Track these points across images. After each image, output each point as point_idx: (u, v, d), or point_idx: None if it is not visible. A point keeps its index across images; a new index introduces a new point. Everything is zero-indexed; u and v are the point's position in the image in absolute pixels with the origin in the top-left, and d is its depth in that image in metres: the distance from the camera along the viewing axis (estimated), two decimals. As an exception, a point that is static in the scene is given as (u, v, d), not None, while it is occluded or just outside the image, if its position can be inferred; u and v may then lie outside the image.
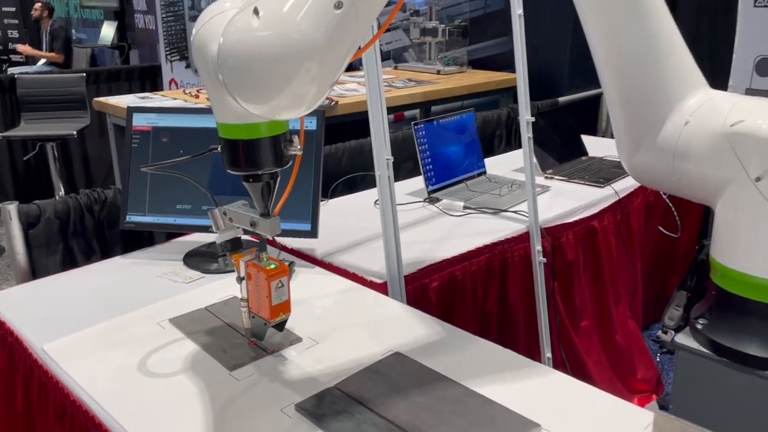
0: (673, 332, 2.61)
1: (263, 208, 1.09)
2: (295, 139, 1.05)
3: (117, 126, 3.21)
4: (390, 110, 3.46)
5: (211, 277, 1.55)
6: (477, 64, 3.92)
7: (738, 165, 1.24)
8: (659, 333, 2.67)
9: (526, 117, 1.85)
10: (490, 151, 3.01)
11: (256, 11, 0.85)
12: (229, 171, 1.05)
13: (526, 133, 1.86)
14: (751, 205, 1.22)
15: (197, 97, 3.22)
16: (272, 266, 1.11)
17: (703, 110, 1.33)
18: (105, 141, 4.37)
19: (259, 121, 0.99)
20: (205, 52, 0.96)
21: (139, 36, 6.24)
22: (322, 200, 2.08)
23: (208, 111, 1.59)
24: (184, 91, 3.51)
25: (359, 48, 0.96)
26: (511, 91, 3.60)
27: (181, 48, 4.88)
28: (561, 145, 2.69)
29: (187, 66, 4.85)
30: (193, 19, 4.67)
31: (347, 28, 0.88)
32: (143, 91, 5.27)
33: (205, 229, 1.62)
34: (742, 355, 1.24)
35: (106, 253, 1.81)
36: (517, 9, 1.78)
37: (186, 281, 1.53)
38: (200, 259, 1.63)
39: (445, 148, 2.27)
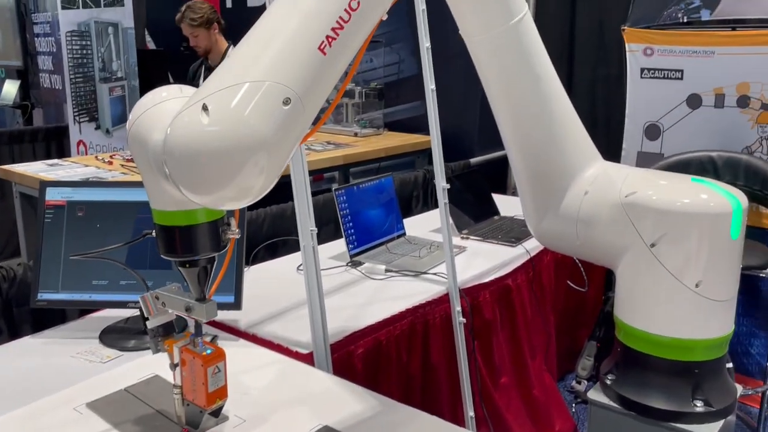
0: (586, 382, 2.73)
1: (199, 293, 1.08)
2: (233, 221, 1.06)
3: (24, 195, 3.06)
4: (310, 173, 3.51)
5: (130, 355, 1.50)
6: (393, 126, 4.06)
7: (634, 232, 1.35)
8: (573, 383, 2.78)
9: (441, 184, 1.94)
10: (409, 212, 3.10)
11: (205, 108, 0.87)
12: (164, 257, 1.04)
13: (443, 199, 1.95)
14: (648, 268, 1.34)
15: (110, 163, 3.15)
16: (208, 351, 1.10)
17: (599, 181, 1.45)
18: (6, 204, 4.15)
19: (197, 207, 1.00)
20: (145, 143, 0.96)
21: (44, 95, 6.04)
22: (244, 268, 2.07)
23: (123, 185, 1.58)
24: (96, 156, 3.41)
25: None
26: (426, 153, 3.75)
27: (90, 109, 4.77)
28: (475, 206, 2.81)
29: (97, 127, 4.73)
30: (105, 80, 4.59)
31: (295, 121, 0.91)
32: (49, 153, 5.07)
33: (124, 305, 1.57)
34: (648, 408, 1.33)
35: (15, 333, 1.71)
36: (429, 84, 1.89)
37: (103, 360, 1.47)
38: (117, 336, 1.58)
39: (365, 212, 2.33)
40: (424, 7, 1.82)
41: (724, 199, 1.31)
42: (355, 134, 3.80)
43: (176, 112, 0.91)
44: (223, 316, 1.70)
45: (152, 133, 0.94)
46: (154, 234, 1.04)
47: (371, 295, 1.93)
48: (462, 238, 2.56)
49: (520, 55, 1.42)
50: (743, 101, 2.73)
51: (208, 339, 1.13)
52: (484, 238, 2.55)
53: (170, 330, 1.15)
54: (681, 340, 1.32)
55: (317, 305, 1.48)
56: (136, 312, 1.59)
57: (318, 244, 2.45)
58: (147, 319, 1.14)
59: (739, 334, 2.90)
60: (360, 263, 2.17)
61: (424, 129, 3.80)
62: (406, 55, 4.00)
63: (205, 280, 1.08)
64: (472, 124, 3.82)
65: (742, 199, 1.34)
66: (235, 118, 0.87)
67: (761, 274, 2.61)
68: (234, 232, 1.06)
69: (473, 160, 3.71)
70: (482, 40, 1.41)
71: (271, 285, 2.01)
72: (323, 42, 0.93)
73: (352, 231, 2.23)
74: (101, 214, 1.59)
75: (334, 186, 4.15)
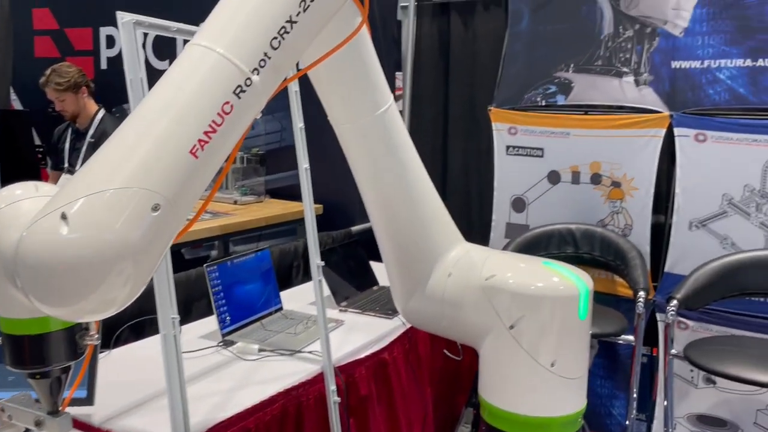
0: (464, 450, 2.76)
1: (51, 405, 0.98)
2: (92, 325, 0.99)
3: None
4: (186, 244, 3.40)
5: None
6: (275, 193, 4.04)
7: (495, 314, 1.42)
8: (452, 453, 2.81)
9: (316, 261, 1.94)
10: (288, 283, 3.06)
11: (63, 216, 0.80)
12: (11, 369, 0.95)
13: (317, 276, 1.94)
14: (508, 350, 1.40)
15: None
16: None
17: (462, 263, 1.52)
18: None
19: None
20: None
21: None
22: (102, 352, 1.94)
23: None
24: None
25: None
26: (307, 221, 3.75)
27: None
28: (354, 277, 2.83)
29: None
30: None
31: (165, 227, 0.87)
32: None
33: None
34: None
35: None
36: (303, 163, 1.91)
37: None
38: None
39: (240, 287, 2.27)
40: (297, 88, 1.86)
41: (573, 283, 1.41)
42: (235, 202, 3.74)
43: (31, 215, 0.83)
44: (75, 411, 1.57)
45: (2, 238, 0.86)
46: None
47: (242, 378, 1.87)
48: (340, 310, 2.55)
49: (386, 143, 1.48)
50: (596, 178, 2.99)
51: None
52: (363, 311, 2.56)
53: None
54: (539, 418, 1.38)
55: (178, 400, 1.40)
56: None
57: (190, 322, 2.37)
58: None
59: (601, 396, 3.08)
60: (232, 342, 2.10)
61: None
62: (288, 123, 4.04)
63: (58, 391, 0.98)
64: (354, 191, 3.87)
65: (588, 281, 1.44)
66: (98, 227, 0.81)
67: (619, 341, 2.80)
68: (93, 338, 0.98)
69: (354, 228, 3.75)
70: (349, 128, 1.46)
71: (133, 371, 1.88)
72: (195, 146, 0.90)
73: (225, 309, 2.16)
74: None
75: (211, 256, 4.06)
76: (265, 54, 0.97)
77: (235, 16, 0.98)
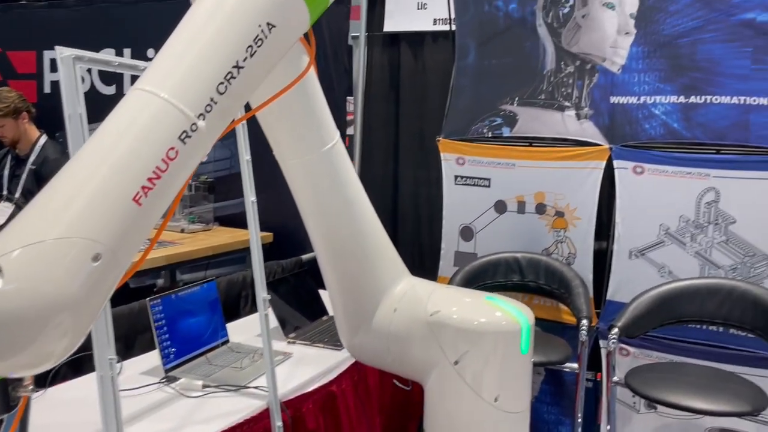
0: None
1: None
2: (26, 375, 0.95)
3: None
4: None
5: None
6: (224, 221, 3.99)
7: (439, 350, 1.43)
8: (401, 484, 2.79)
9: (262, 295, 1.92)
10: (236, 314, 3.01)
11: None
12: None
13: (263, 310, 1.92)
14: (452, 385, 1.41)
15: None
16: None
17: (407, 298, 1.53)
18: None
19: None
20: None
21: None
22: (38, 391, 1.86)
23: None
24: None
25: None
26: (256, 249, 3.71)
27: None
28: (304, 307, 2.81)
29: None
30: None
31: (106, 276, 0.85)
32: None
33: None
34: None
35: None
36: (249, 196, 1.90)
37: None
38: None
39: (184, 321, 2.22)
40: (248, 157, 1.86)
41: (515, 318, 1.44)
42: (182, 230, 3.67)
43: None
44: (4, 456, 1.50)
45: None
46: None
47: (185, 416, 1.82)
48: (288, 342, 2.53)
49: (332, 179, 1.49)
50: (541, 208, 3.07)
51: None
52: (312, 342, 2.54)
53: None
54: (483, 452, 1.40)
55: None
56: None
57: (132, 357, 2.30)
58: None
59: (548, 422, 3.12)
60: (175, 378, 2.05)
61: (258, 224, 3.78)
62: (237, 150, 4.01)
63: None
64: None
65: (530, 316, 1.47)
66: (36, 278, 0.78)
67: (566, 369, 2.86)
68: (27, 389, 0.94)
69: (305, 257, 3.73)
70: (295, 164, 1.46)
71: (70, 412, 1.82)
72: (138, 193, 0.88)
73: (168, 343, 2.11)
74: None
75: (158, 284, 3.95)
76: (212, 99, 0.97)
77: (180, 61, 0.97)
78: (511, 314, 1.45)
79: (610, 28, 2.85)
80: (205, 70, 0.97)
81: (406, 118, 3.84)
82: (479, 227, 3.22)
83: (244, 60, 1.01)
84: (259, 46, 1.03)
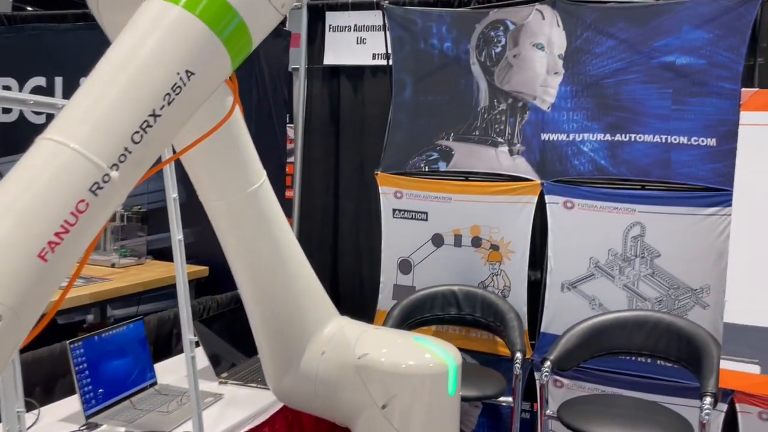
0: None
1: None
2: None
3: None
4: (58, 311, 3.16)
5: None
6: (158, 254, 3.87)
7: (367, 393, 1.42)
8: None
9: (189, 337, 1.87)
10: (168, 353, 2.91)
11: None
12: None
13: (189, 353, 1.86)
14: (380, 430, 1.40)
15: None
16: None
17: (335, 341, 1.51)
18: None
19: None
20: None
21: None
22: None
23: None
24: None
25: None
26: (193, 284, 3.62)
27: None
28: (239, 344, 2.74)
29: None
30: None
31: (8, 337, 0.81)
32: None
33: None
34: None
35: None
36: (177, 234, 1.85)
37: None
38: None
39: (108, 363, 2.13)
40: (175, 195, 1.82)
41: (443, 360, 1.44)
42: (113, 264, 3.54)
43: None
44: None
45: None
46: None
47: (104, 466, 1.73)
48: (220, 383, 2.45)
49: (258, 219, 1.47)
50: (477, 242, 3.11)
51: None
52: (244, 382, 2.47)
53: None
54: (411, 498, 1.38)
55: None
56: None
57: (52, 402, 2.19)
58: None
59: (486, 455, 3.13)
60: (96, 425, 1.96)
61: (193, 258, 3.69)
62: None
63: None
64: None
65: (457, 357, 1.48)
66: None
67: (503, 403, 2.88)
68: None
69: (242, 290, 3.66)
70: (220, 204, 1.44)
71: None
72: (44, 248, 0.84)
73: (90, 388, 2.02)
74: None
75: (87, 321, 3.79)
76: (126, 149, 0.94)
77: (92, 110, 0.94)
78: (439, 356, 1.45)
79: (540, 68, 2.95)
80: (118, 119, 0.95)
81: (346, 149, 3.85)
82: (417, 260, 3.24)
83: (162, 108, 0.99)
84: (177, 94, 1.01)
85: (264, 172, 1.49)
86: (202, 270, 3.58)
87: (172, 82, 0.99)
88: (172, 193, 1.85)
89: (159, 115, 0.99)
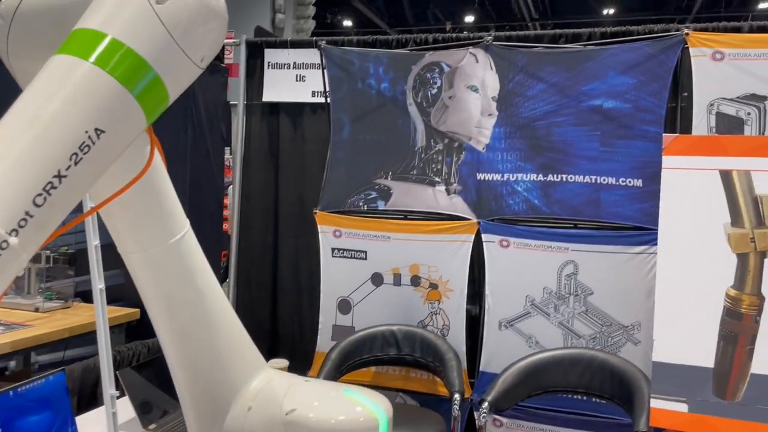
0: None
1: None
2: None
3: None
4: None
5: None
6: (87, 296, 3.71)
7: (296, 451, 1.37)
8: None
9: (110, 392, 1.78)
10: (93, 403, 2.77)
11: None
12: None
13: (110, 408, 1.77)
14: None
15: None
16: None
17: (263, 395, 1.46)
18: None
19: None
20: None
21: None
22: None
23: None
24: None
25: None
26: (122, 327, 3.48)
27: None
28: (169, 392, 2.63)
29: None
30: None
31: None
32: None
33: None
34: None
35: None
36: (98, 283, 1.78)
37: None
38: None
39: (24, 420, 2.00)
40: (97, 242, 1.76)
41: (374, 414, 1.41)
42: (37, 309, 3.37)
43: None
44: None
45: None
46: None
47: None
48: (148, 434, 2.34)
49: (181, 273, 1.41)
50: (416, 280, 3.12)
51: None
52: (174, 433, 2.37)
53: None
54: None
55: None
56: None
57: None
58: None
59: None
60: (8, 490, 1.83)
61: (123, 299, 3.56)
62: (101, 219, 3.79)
63: None
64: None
65: (388, 410, 1.45)
66: None
67: (442, 445, 2.86)
68: None
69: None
70: (139, 257, 1.38)
71: None
72: None
73: (2, 449, 1.88)
74: None
75: (10, 367, 3.58)
76: (27, 212, 0.89)
77: None
78: (370, 409, 1.42)
79: (475, 110, 3.01)
80: (19, 181, 0.89)
81: (286, 186, 3.81)
82: (357, 300, 3.21)
83: (68, 168, 0.94)
84: (85, 153, 0.96)
85: (187, 222, 1.44)
86: (132, 312, 3.45)
87: (80, 141, 0.95)
88: (94, 240, 1.78)
89: (65, 176, 0.94)
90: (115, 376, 2.95)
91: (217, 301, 1.48)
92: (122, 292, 3.19)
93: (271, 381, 1.51)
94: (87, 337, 3.39)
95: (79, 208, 1.25)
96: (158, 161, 1.34)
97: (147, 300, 1.43)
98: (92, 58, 0.98)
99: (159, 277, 1.40)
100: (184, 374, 1.46)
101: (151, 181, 1.34)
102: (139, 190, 1.31)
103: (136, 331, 3.43)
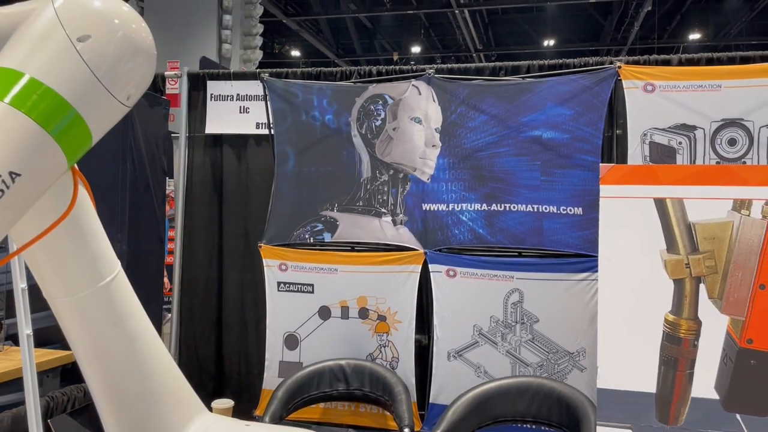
0: None
1: None
2: None
3: None
4: None
5: None
6: (18, 339, 3.52)
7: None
8: None
9: (38, 445, 1.67)
10: (22, 453, 2.61)
11: None
12: None
13: (39, 463, 1.67)
14: None
15: None
16: None
17: (201, 443, 1.40)
18: None
19: None
20: None
21: None
22: None
23: None
24: None
25: None
26: (57, 371, 3.30)
27: None
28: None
29: None
30: None
31: None
32: None
33: None
34: None
35: None
36: (25, 329, 1.68)
37: None
38: None
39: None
40: (24, 285, 1.67)
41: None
42: (-38, 354, 3.17)
43: None
44: None
45: None
46: None
47: None
48: (82, 486, 2.21)
49: (111, 315, 1.35)
50: (364, 313, 3.08)
51: None
52: (110, 483, 2.24)
53: None
54: None
55: None
56: None
57: None
58: None
59: None
60: None
61: (58, 341, 3.38)
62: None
63: None
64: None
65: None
66: None
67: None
68: None
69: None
70: (66, 301, 1.31)
71: None
72: None
73: None
74: None
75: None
76: None
77: None
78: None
79: (419, 141, 3.04)
80: None
81: (230, 219, 3.74)
82: (304, 335, 3.15)
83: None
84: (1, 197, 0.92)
85: (118, 263, 1.38)
86: (67, 355, 3.28)
87: (-8, 185, 0.90)
88: (21, 283, 1.69)
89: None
90: (47, 425, 2.80)
91: (151, 344, 1.42)
92: (57, 333, 3.04)
93: (209, 427, 1.45)
94: (19, 382, 3.21)
95: (4, 248, 1.19)
96: (86, 200, 1.29)
97: (75, 346, 1.36)
98: (8, 99, 0.94)
99: (87, 322, 1.33)
100: (114, 420, 1.38)
101: (78, 222, 1.28)
102: (65, 232, 1.25)
103: (72, 374, 3.27)
